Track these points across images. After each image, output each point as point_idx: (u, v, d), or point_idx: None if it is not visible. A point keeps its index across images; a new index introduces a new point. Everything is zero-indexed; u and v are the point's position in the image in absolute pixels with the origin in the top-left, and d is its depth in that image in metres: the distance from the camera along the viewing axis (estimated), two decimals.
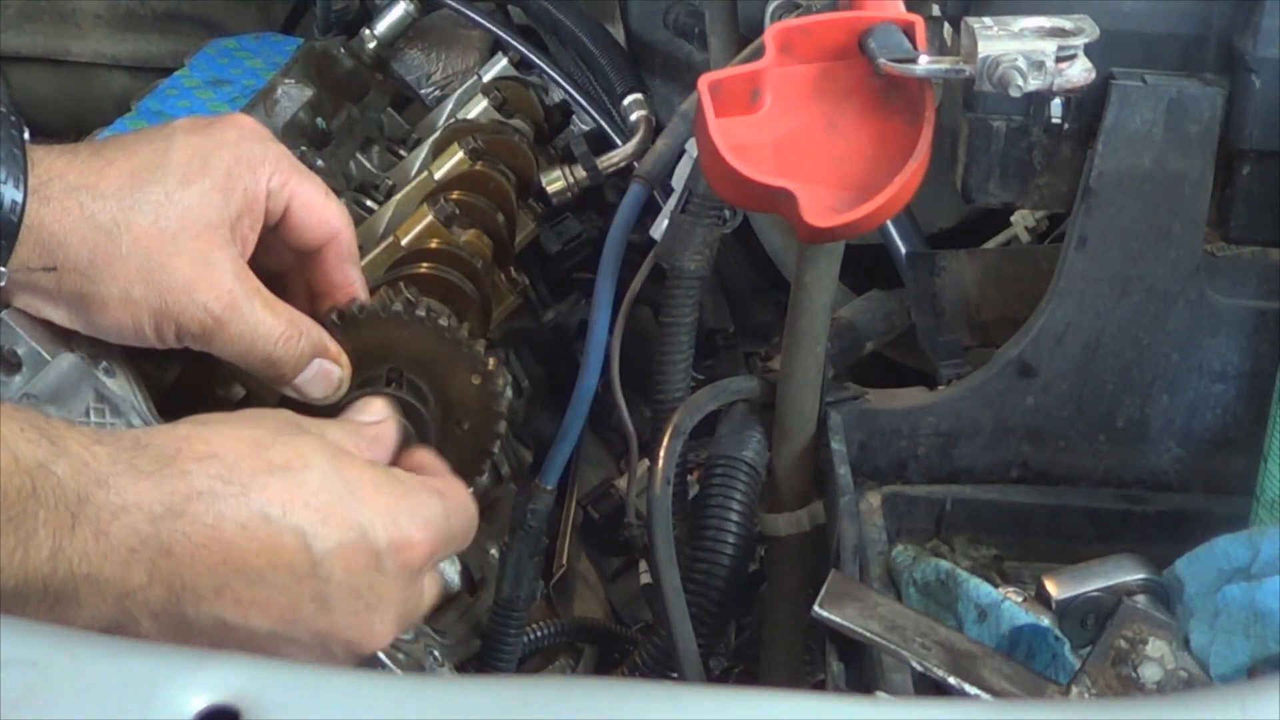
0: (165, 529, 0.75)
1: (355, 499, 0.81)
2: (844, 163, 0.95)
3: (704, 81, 0.94)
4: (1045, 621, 0.89)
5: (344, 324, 0.97)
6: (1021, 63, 0.91)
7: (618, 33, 1.64)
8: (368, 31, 1.62)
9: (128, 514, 0.74)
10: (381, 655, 1.01)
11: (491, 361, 0.99)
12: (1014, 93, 0.92)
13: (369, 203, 1.39)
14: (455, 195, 1.31)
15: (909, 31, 0.95)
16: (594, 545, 1.54)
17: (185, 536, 0.76)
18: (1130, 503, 1.08)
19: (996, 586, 0.94)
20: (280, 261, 1.00)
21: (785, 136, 0.96)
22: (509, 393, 1.04)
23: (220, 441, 0.79)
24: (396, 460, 0.93)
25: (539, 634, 1.34)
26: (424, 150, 1.48)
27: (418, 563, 0.83)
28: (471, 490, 0.97)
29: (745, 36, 1.38)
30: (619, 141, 1.51)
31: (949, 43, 1.04)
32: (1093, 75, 0.94)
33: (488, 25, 1.57)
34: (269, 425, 0.83)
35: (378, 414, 0.94)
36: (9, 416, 0.74)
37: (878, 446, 1.10)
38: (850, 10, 0.98)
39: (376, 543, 0.81)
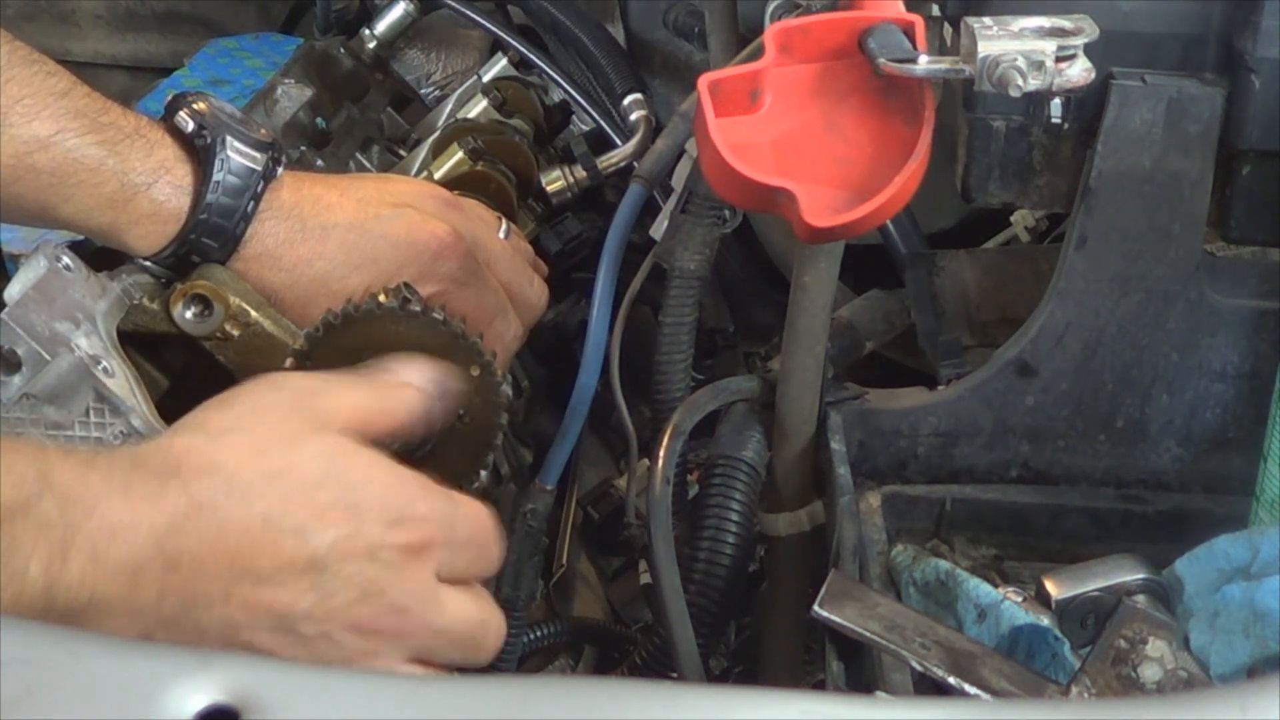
0: (169, 544, 0.76)
1: (351, 496, 0.82)
2: (844, 163, 0.95)
3: (704, 81, 0.94)
4: (1045, 621, 0.89)
5: (340, 321, 0.97)
6: (1021, 63, 0.91)
7: (618, 33, 1.63)
8: (367, 31, 1.62)
9: (125, 535, 0.75)
10: None
11: (489, 352, 1.00)
12: (1014, 93, 0.92)
13: None
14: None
15: (909, 31, 0.95)
16: (594, 545, 1.54)
17: (190, 549, 0.77)
18: (1130, 503, 1.08)
19: (996, 586, 0.94)
20: None
21: (785, 136, 0.96)
22: (509, 384, 1.04)
23: (220, 451, 0.80)
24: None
25: (539, 634, 1.33)
26: (424, 150, 1.47)
27: (414, 549, 0.83)
28: (475, 486, 0.97)
29: (745, 36, 1.38)
30: (619, 141, 1.50)
31: (949, 43, 1.04)
32: (1092, 75, 0.94)
33: (488, 25, 1.57)
34: (272, 423, 0.83)
35: (406, 376, 0.93)
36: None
37: (877, 446, 1.10)
38: (850, 10, 0.98)
39: (371, 534, 0.82)
